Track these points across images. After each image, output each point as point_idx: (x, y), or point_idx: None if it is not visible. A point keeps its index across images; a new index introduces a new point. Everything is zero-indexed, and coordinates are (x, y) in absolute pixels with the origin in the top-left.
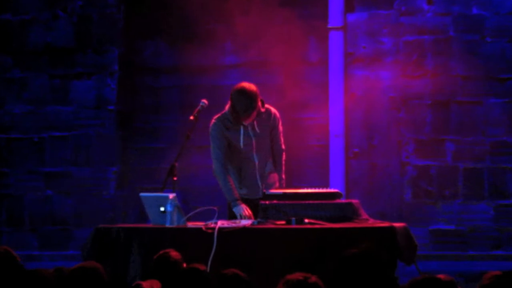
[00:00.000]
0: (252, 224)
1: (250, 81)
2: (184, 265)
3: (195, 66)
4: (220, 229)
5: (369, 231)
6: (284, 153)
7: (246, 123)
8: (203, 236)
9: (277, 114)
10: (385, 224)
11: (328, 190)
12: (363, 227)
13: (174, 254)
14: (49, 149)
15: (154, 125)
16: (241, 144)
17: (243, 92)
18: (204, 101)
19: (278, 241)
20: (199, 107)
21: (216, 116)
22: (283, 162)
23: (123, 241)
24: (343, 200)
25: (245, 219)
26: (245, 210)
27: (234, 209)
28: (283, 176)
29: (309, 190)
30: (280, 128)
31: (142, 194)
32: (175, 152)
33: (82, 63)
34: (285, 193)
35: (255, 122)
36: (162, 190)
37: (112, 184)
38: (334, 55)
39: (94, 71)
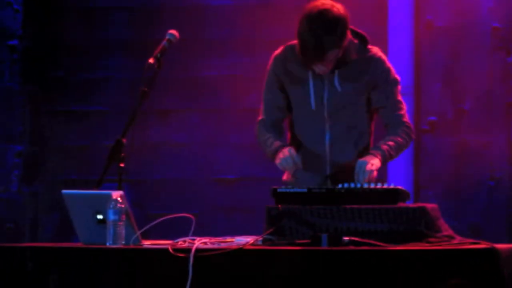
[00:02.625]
0: (255, 243)
1: None
2: None
3: None
4: (199, 251)
5: (455, 256)
6: (407, 129)
7: (321, 71)
8: (171, 263)
9: (385, 60)
10: (482, 245)
11: (385, 186)
12: (444, 249)
13: None
14: None
15: (87, 76)
16: (312, 104)
17: (319, 16)
18: (173, 32)
19: (298, 274)
20: (164, 43)
21: (282, 46)
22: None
23: (32, 272)
24: (410, 204)
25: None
26: (292, 156)
27: (278, 163)
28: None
29: (353, 187)
30: (395, 87)
31: (66, 191)
32: (124, 120)
33: None
34: (310, 191)
35: (336, 73)
36: (99, 186)
37: (15, 174)
38: None
39: None
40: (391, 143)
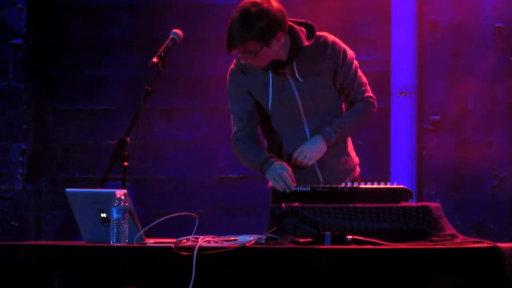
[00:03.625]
0: (258, 242)
1: None
2: None
3: None
4: (202, 250)
5: (458, 255)
6: (370, 104)
7: (248, 63)
8: (174, 261)
9: (340, 44)
10: (485, 244)
11: (388, 186)
12: (447, 248)
13: None
14: None
15: (90, 74)
16: (270, 104)
17: (242, 9)
18: (177, 31)
19: (301, 272)
20: (167, 42)
21: (234, 60)
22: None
23: (35, 270)
24: (413, 203)
25: (285, 186)
26: (284, 170)
27: (267, 174)
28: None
29: (356, 186)
30: (353, 65)
31: (69, 190)
32: (127, 118)
33: None
34: (314, 190)
35: (294, 65)
36: (103, 184)
37: (19, 172)
38: None
39: None
40: (346, 122)
